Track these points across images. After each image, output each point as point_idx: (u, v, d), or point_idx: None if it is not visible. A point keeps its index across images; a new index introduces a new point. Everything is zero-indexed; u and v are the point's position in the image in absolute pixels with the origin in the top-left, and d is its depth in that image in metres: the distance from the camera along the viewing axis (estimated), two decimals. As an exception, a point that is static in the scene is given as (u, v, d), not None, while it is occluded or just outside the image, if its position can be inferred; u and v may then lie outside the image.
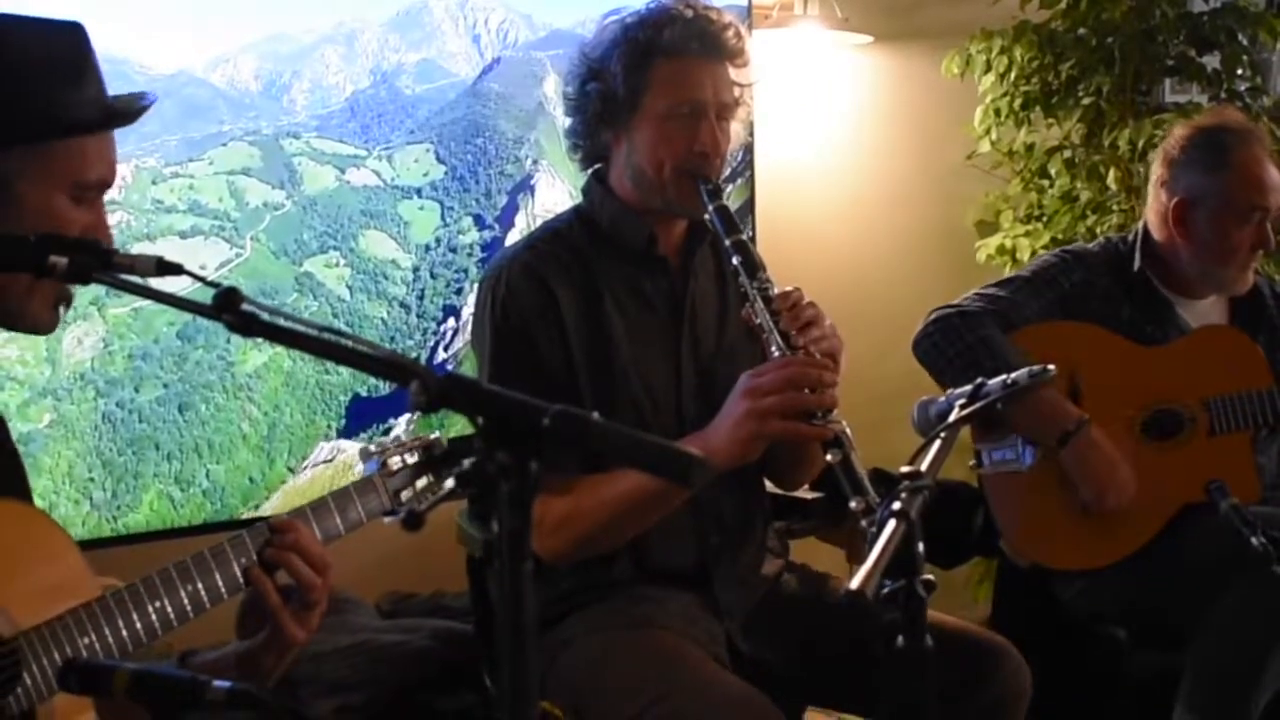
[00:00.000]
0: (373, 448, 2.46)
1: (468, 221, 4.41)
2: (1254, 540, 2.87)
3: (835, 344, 2.94)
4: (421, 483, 2.44)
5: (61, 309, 2.21)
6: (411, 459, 2.46)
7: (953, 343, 3.62)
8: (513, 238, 4.35)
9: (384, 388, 4.17)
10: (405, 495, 2.42)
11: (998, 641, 3.05)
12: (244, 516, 3.92)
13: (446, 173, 4.37)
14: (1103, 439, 3.57)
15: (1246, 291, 3.85)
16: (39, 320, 2.20)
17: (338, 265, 4.16)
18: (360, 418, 4.18)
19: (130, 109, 2.23)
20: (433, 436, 2.56)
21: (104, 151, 2.20)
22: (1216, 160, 3.71)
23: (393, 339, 4.24)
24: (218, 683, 1.87)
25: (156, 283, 2.00)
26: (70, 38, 2.18)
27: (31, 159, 2.12)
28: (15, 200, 2.10)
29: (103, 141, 2.21)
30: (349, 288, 4.18)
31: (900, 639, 2.14)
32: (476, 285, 3.22)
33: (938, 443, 2.32)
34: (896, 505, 2.13)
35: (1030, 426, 3.56)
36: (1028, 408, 3.51)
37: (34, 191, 2.12)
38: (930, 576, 2.13)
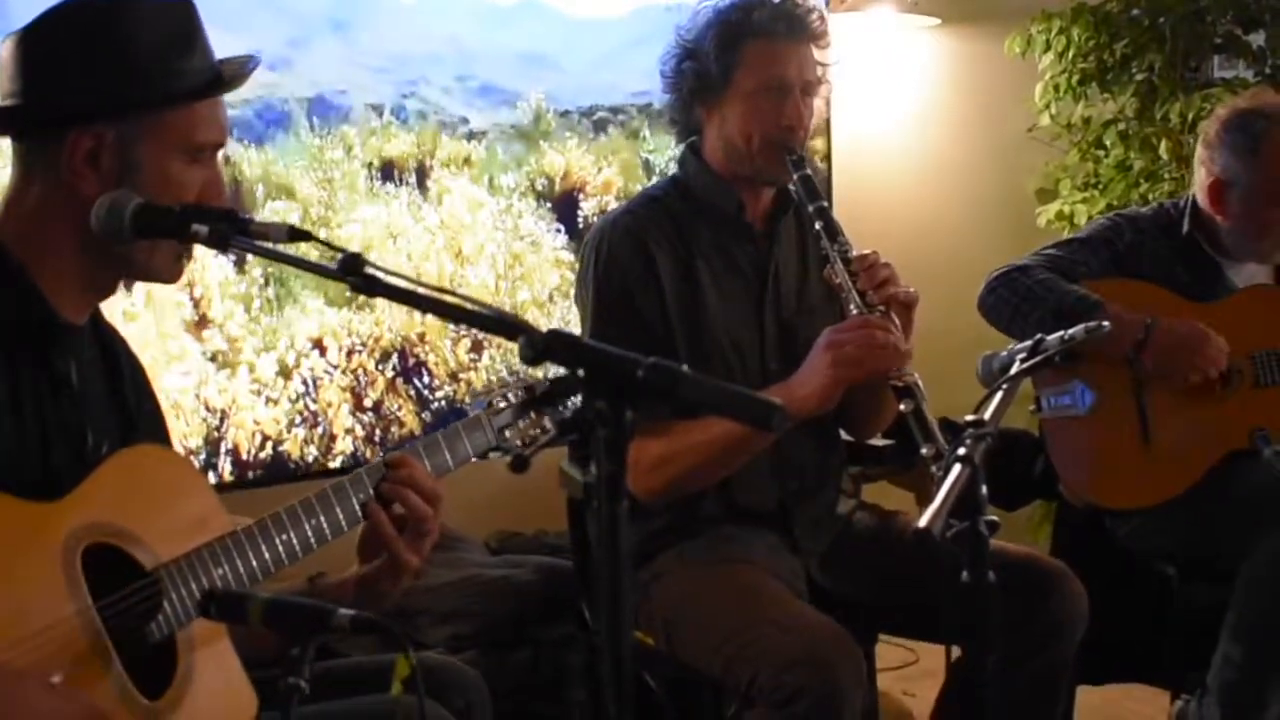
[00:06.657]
0: (479, 388, 2.45)
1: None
2: (1295, 484, 2.84)
3: (912, 295, 2.94)
4: (525, 421, 2.43)
5: (184, 260, 2.20)
6: (515, 398, 2.45)
7: (1014, 291, 3.58)
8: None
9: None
10: (509, 433, 2.41)
11: (1057, 565, 3.04)
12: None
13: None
14: (1176, 320, 3.53)
15: None
16: (163, 272, 2.20)
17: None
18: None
19: (237, 74, 2.22)
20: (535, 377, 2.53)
21: (215, 115, 2.19)
22: (1248, 145, 3.63)
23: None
24: (343, 610, 1.89)
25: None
26: (181, 11, 2.18)
27: (149, 126, 2.11)
28: (135, 164, 2.10)
29: (213, 106, 2.19)
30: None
31: (964, 573, 2.14)
32: (582, 247, 3.24)
33: (1000, 394, 2.32)
34: (962, 451, 2.13)
35: (1103, 351, 3.46)
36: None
37: (152, 156, 2.11)
38: (994, 517, 2.13)
